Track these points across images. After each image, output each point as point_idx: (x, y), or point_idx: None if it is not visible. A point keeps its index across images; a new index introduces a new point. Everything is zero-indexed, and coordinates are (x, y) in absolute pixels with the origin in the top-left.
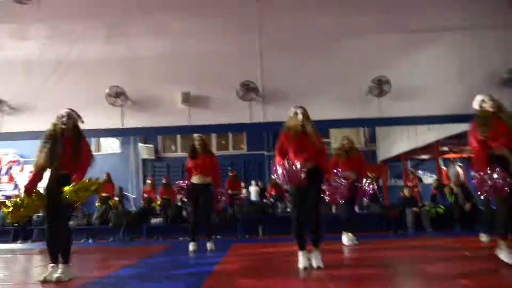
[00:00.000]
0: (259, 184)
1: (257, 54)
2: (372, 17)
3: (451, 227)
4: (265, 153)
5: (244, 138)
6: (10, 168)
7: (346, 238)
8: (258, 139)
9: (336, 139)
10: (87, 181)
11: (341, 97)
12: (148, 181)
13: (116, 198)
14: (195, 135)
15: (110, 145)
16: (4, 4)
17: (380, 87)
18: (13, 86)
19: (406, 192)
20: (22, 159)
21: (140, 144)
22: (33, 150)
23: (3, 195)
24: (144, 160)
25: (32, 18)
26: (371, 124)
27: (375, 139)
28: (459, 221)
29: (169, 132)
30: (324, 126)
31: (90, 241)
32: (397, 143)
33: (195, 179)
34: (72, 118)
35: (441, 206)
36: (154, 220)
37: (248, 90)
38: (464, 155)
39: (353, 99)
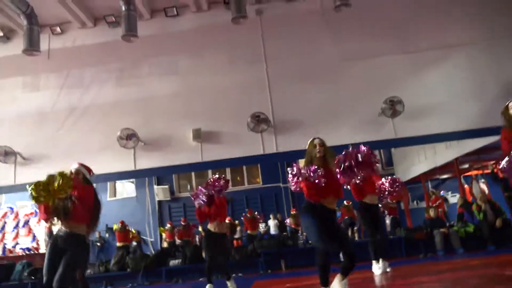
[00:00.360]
0: (278, 217)
1: (265, 86)
2: (380, 39)
3: (483, 246)
4: (281, 185)
5: (259, 172)
6: (28, 220)
7: (376, 266)
8: (273, 172)
9: None
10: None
11: (354, 121)
12: (168, 225)
13: (134, 243)
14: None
15: (126, 190)
16: (15, 57)
17: (393, 107)
18: (26, 137)
19: (431, 213)
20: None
21: (155, 187)
22: None
23: (21, 248)
24: (160, 202)
25: (43, 69)
26: (387, 145)
27: (392, 162)
28: (491, 239)
29: (182, 170)
30: (339, 152)
31: None
32: (415, 164)
33: (212, 227)
34: (81, 173)
35: (470, 225)
36: (173, 262)
37: (258, 121)
38: (486, 171)
39: (366, 122)
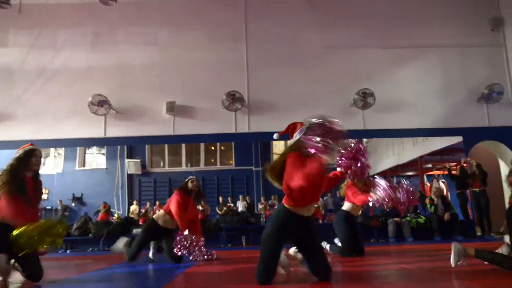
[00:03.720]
0: (247, 199)
1: (244, 66)
2: (358, 31)
3: (431, 236)
4: (253, 168)
5: (232, 154)
6: None
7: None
8: (247, 155)
9: None
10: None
11: (327, 109)
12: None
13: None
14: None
15: (96, 161)
16: None
17: (365, 99)
18: None
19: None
20: None
21: (126, 160)
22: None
23: None
24: (130, 175)
25: (13, 24)
26: (356, 136)
27: None
28: (439, 230)
29: (153, 141)
30: None
31: (68, 251)
32: (383, 159)
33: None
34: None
35: (422, 217)
36: (136, 230)
37: (233, 100)
38: (446, 172)
39: (338, 110)
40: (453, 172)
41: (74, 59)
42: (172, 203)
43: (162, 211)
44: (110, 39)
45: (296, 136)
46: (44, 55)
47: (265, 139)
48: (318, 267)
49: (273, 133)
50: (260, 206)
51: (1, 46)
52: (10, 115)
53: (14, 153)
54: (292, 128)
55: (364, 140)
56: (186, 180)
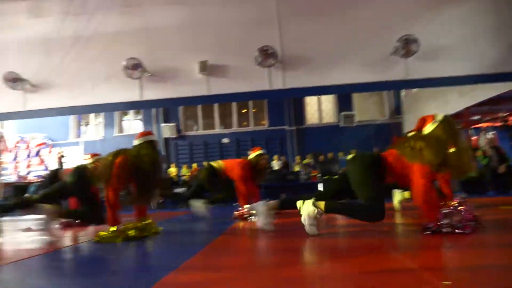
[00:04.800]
0: (282, 158)
1: (275, 20)
2: None
3: (483, 191)
4: (287, 128)
5: (265, 115)
6: (39, 150)
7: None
8: (280, 114)
9: (360, 111)
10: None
11: (364, 60)
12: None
13: None
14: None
15: (133, 126)
16: None
17: (407, 46)
18: (33, 64)
19: None
20: (50, 142)
21: (162, 124)
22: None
23: (35, 176)
24: (166, 139)
25: None
26: (397, 87)
27: (401, 111)
28: (492, 184)
29: (188, 103)
30: (347, 91)
31: None
32: (424, 113)
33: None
34: None
35: None
36: (178, 190)
37: (266, 55)
38: (497, 123)
39: (377, 61)
40: (509, 122)
41: (106, 24)
42: (235, 172)
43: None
44: (139, 0)
45: (429, 127)
46: (77, 22)
47: (301, 94)
48: None
49: (309, 88)
50: (295, 166)
51: (37, 16)
52: (51, 83)
53: (61, 127)
54: (423, 122)
55: (403, 93)
56: (257, 154)
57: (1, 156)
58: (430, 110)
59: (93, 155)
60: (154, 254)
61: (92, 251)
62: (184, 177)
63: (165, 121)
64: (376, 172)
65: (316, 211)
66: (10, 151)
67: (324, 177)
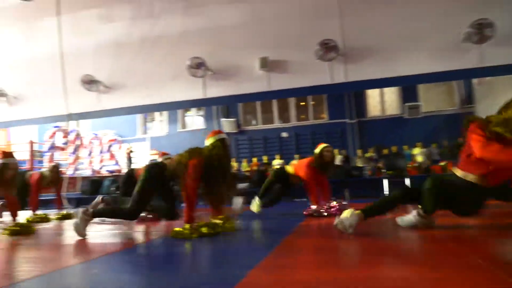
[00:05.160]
0: (343, 152)
1: (336, 11)
2: None
3: None
4: (348, 121)
5: (324, 108)
6: (110, 146)
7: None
8: (340, 107)
9: (426, 102)
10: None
11: (433, 48)
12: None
13: None
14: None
15: (195, 122)
16: None
17: (481, 32)
18: (106, 67)
19: None
20: (120, 138)
21: (222, 119)
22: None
23: (107, 170)
24: (227, 134)
25: (116, 0)
26: (469, 75)
27: (473, 100)
28: None
29: (250, 99)
30: (414, 82)
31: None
32: (500, 103)
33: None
34: None
35: None
36: (241, 185)
37: (327, 49)
38: None
39: (446, 49)
40: None
41: (170, 26)
42: (302, 172)
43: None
44: (201, 1)
45: None
46: (144, 25)
47: (364, 87)
48: None
49: (373, 80)
50: (357, 160)
51: (109, 21)
52: (121, 84)
53: (130, 124)
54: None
55: (475, 81)
56: (321, 148)
57: (78, 152)
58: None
59: (163, 154)
60: (229, 251)
61: (169, 246)
62: (245, 172)
63: (225, 117)
64: None
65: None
66: (85, 147)
67: (389, 172)
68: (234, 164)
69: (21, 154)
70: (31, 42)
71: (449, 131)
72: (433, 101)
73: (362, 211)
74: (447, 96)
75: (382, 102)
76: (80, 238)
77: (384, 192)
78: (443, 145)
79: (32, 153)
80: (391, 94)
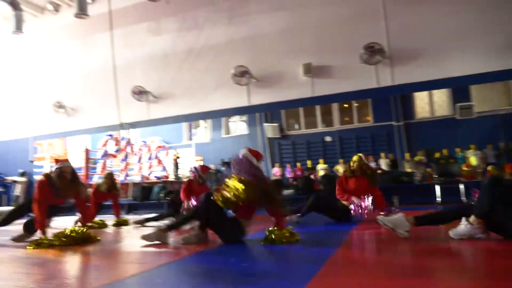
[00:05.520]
0: (389, 156)
1: (380, 13)
2: None
3: None
4: (394, 123)
5: (369, 110)
6: (158, 153)
7: None
8: (385, 109)
9: (479, 101)
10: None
11: (486, 47)
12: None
13: None
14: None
15: (238, 127)
16: (141, 5)
17: None
18: (154, 78)
19: None
20: (166, 145)
21: (265, 124)
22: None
23: (155, 176)
24: (270, 139)
25: (164, 13)
26: None
27: None
28: None
29: (293, 105)
30: (467, 83)
31: None
32: None
33: None
34: None
35: None
36: (286, 192)
37: (373, 52)
38: None
39: (496, 49)
40: None
41: (214, 35)
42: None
43: None
44: (243, 10)
45: None
46: (189, 37)
47: (413, 90)
48: None
49: (422, 82)
50: (405, 164)
51: (156, 34)
52: (169, 94)
53: (176, 131)
54: None
55: None
56: (350, 162)
57: (128, 159)
58: None
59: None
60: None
61: (227, 255)
62: (289, 178)
63: (268, 121)
64: None
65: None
66: (135, 154)
67: (440, 178)
68: (278, 169)
69: (77, 162)
70: (87, 56)
71: (506, 131)
72: (487, 100)
73: (415, 218)
74: (503, 95)
75: (431, 103)
76: (144, 244)
77: (437, 199)
78: (500, 146)
79: (87, 160)
80: (441, 95)
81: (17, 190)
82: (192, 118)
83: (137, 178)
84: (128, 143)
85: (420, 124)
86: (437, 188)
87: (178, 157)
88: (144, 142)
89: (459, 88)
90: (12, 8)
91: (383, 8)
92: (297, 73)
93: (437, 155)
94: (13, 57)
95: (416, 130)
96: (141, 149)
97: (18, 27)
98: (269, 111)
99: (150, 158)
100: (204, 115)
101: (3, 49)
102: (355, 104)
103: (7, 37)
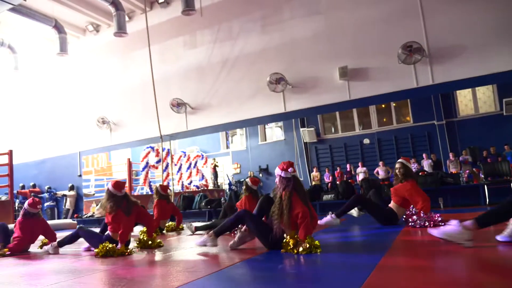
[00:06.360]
0: (432, 157)
1: (418, 11)
2: None
3: None
4: (435, 122)
5: (409, 110)
6: (196, 162)
7: None
8: (425, 108)
9: None
10: None
11: None
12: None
13: None
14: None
15: (275, 134)
16: (175, 20)
17: None
18: (191, 90)
19: None
20: (204, 154)
21: (301, 129)
22: (211, 145)
23: (194, 185)
24: (306, 144)
25: (198, 27)
26: None
27: None
28: None
29: (329, 110)
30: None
31: None
32: None
33: None
34: None
35: None
36: (326, 197)
37: (411, 52)
38: None
39: None
40: None
41: (249, 45)
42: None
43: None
44: (277, 18)
45: None
46: (224, 47)
47: (454, 88)
48: None
49: (464, 80)
50: (448, 164)
51: (192, 48)
52: (206, 104)
53: (213, 140)
54: None
55: None
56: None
57: (169, 169)
58: None
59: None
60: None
61: (273, 262)
62: (328, 183)
63: (304, 126)
64: None
65: None
66: (175, 165)
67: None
68: (316, 173)
69: (121, 174)
70: (126, 72)
71: None
72: None
73: (476, 220)
74: None
75: (474, 100)
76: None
77: (485, 201)
78: None
79: (130, 172)
80: (486, 91)
81: (67, 204)
82: (229, 127)
83: (177, 188)
84: (168, 153)
85: (464, 122)
86: (485, 189)
87: (216, 165)
88: (183, 152)
89: (505, 83)
90: (56, 31)
91: (420, 6)
92: (333, 77)
93: (484, 153)
94: (58, 77)
95: (459, 128)
96: (180, 159)
97: (63, 49)
98: (302, 119)
99: (189, 168)
100: (241, 124)
101: (49, 71)
102: (394, 105)
103: (53, 59)
